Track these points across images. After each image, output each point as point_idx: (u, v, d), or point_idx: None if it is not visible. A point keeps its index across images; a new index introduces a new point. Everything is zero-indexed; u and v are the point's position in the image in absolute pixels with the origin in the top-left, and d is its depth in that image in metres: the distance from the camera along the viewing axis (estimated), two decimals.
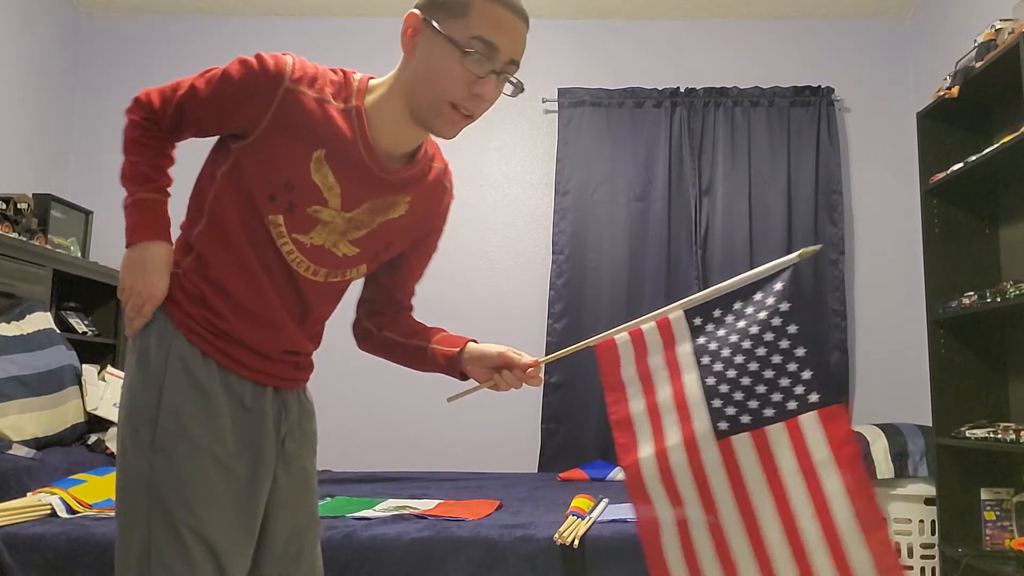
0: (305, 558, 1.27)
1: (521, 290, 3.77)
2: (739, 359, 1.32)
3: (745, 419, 1.30)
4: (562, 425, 3.59)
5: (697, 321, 1.38)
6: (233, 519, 1.12)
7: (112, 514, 1.85)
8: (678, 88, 3.78)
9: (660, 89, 3.79)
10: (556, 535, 1.96)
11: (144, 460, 1.08)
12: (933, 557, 2.85)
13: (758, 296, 1.33)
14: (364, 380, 3.62)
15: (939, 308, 2.81)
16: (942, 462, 2.74)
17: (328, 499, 2.49)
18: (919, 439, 2.96)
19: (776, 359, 1.29)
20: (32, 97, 3.58)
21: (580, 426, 3.56)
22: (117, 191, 1.22)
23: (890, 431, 3.03)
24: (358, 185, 1.17)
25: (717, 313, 1.37)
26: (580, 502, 2.26)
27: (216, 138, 1.21)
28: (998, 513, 2.64)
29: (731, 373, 1.32)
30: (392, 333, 1.39)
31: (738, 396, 1.31)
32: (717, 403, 1.32)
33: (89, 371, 2.92)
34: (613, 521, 2.07)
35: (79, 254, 3.44)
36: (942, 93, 2.74)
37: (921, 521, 2.88)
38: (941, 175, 2.81)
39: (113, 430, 2.69)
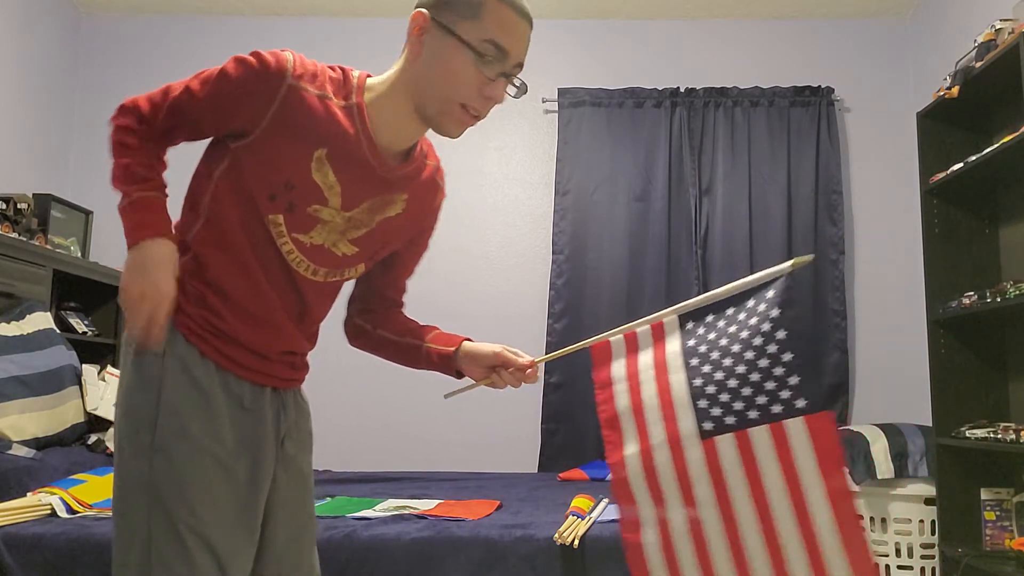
0: (304, 559, 1.27)
1: (521, 290, 3.77)
2: (727, 362, 1.34)
3: (730, 420, 1.31)
4: (562, 425, 3.59)
5: (689, 325, 1.41)
6: (234, 519, 1.11)
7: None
8: (678, 88, 3.79)
9: (660, 89, 3.79)
10: (556, 535, 1.96)
11: (144, 461, 1.07)
12: (933, 557, 2.84)
13: (751, 303, 1.36)
14: (364, 380, 3.62)
15: (939, 308, 2.81)
16: (942, 462, 2.74)
17: (328, 499, 2.49)
18: (919, 439, 2.96)
19: (763, 363, 1.30)
20: (32, 97, 3.58)
21: (580, 426, 3.56)
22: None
23: (890, 431, 3.02)
24: (359, 183, 1.18)
25: (710, 318, 1.39)
26: (580, 502, 2.26)
27: (210, 138, 1.20)
28: (998, 513, 2.64)
29: (719, 375, 1.34)
30: (385, 331, 1.39)
31: (724, 398, 1.32)
32: (703, 404, 1.34)
33: (89, 371, 2.92)
34: (613, 521, 2.07)
35: (79, 254, 3.45)
36: (942, 93, 2.74)
37: (921, 521, 2.87)
38: (941, 175, 2.81)
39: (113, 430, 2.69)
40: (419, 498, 2.52)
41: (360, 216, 1.20)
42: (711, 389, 1.34)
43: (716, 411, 1.33)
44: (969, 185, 2.82)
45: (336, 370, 3.46)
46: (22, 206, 3.01)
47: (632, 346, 1.45)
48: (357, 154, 1.16)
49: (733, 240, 3.65)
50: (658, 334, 1.43)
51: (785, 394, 1.28)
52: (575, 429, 3.56)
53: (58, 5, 3.76)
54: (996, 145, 2.50)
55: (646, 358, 1.43)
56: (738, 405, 1.31)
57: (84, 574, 1.89)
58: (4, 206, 2.95)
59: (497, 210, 3.85)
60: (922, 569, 2.87)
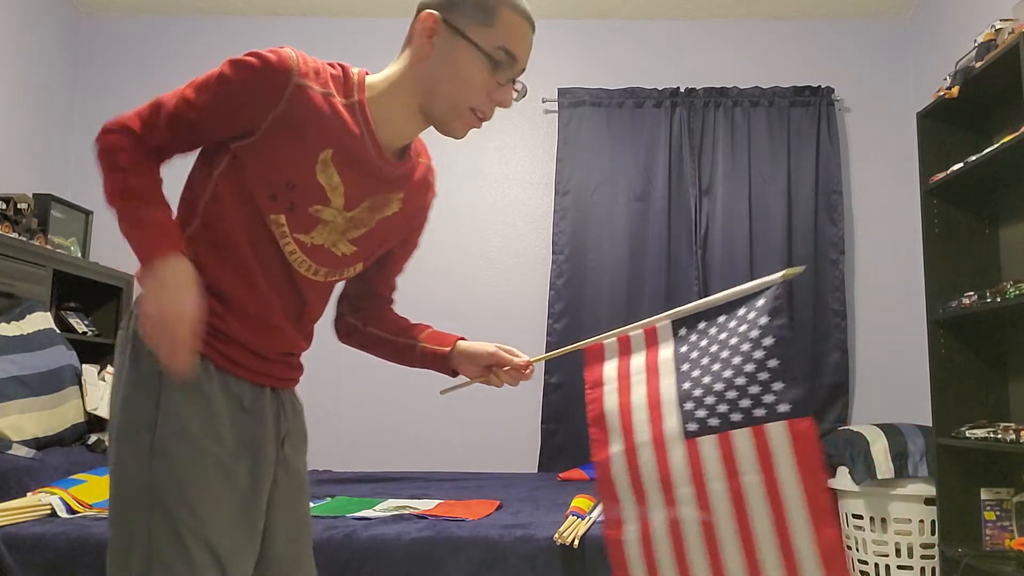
0: (303, 560, 1.27)
1: (521, 290, 3.77)
2: (715, 367, 1.37)
3: (713, 422, 1.34)
4: (562, 425, 3.59)
5: (682, 331, 1.45)
6: (235, 520, 1.11)
7: None
8: (678, 88, 3.79)
9: (660, 89, 3.79)
10: (556, 535, 1.96)
11: (143, 463, 1.06)
12: (933, 557, 2.84)
13: (742, 311, 1.39)
14: (365, 380, 3.62)
15: (939, 308, 2.81)
16: (942, 462, 2.74)
17: (328, 499, 2.49)
18: (919, 439, 2.96)
19: (749, 368, 1.33)
20: (32, 97, 3.58)
21: (580, 426, 3.56)
22: None
23: (890, 431, 3.03)
24: (361, 183, 1.18)
25: (702, 325, 1.43)
26: (580, 502, 2.26)
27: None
28: (998, 513, 2.64)
29: (706, 379, 1.37)
30: (377, 329, 1.40)
31: (709, 400, 1.35)
32: (689, 406, 1.37)
33: (89, 371, 2.92)
34: None
35: (79, 254, 3.45)
36: (942, 93, 2.74)
37: (921, 521, 2.88)
38: (941, 175, 2.81)
39: None
40: (419, 498, 2.52)
41: (360, 216, 1.20)
42: (698, 392, 1.37)
43: (701, 413, 1.36)
44: (969, 185, 2.82)
45: (337, 370, 3.47)
46: (22, 206, 3.02)
47: (625, 349, 1.49)
48: (361, 153, 1.15)
49: (733, 240, 3.65)
50: (651, 339, 1.47)
51: (769, 398, 1.31)
52: (575, 429, 3.56)
53: (58, 5, 3.76)
54: (996, 145, 2.50)
55: (638, 361, 1.46)
56: (722, 408, 1.34)
57: (84, 574, 1.89)
58: (4, 206, 2.96)
59: (497, 210, 3.85)
60: (922, 569, 2.87)
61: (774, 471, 1.29)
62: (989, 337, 2.83)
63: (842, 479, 3.04)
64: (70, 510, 2.14)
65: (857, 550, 3.01)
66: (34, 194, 3.19)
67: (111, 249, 3.63)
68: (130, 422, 1.09)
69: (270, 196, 1.12)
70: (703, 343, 1.41)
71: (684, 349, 1.43)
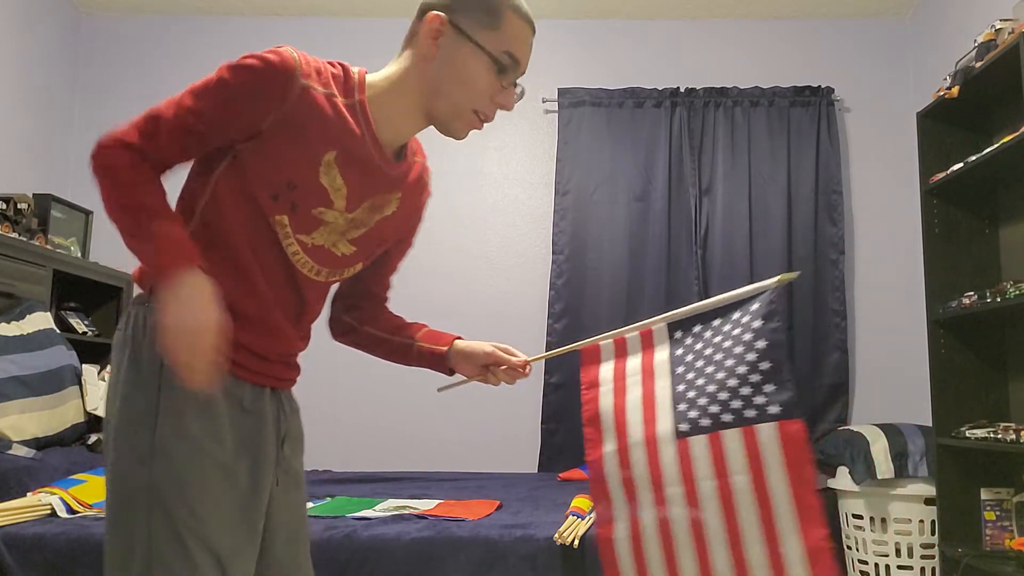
0: (300, 560, 1.27)
1: (521, 290, 3.77)
2: (709, 369, 1.39)
3: (704, 422, 1.36)
4: (562, 425, 3.59)
5: (677, 334, 1.47)
6: (235, 521, 1.11)
7: None
8: (678, 88, 3.79)
9: (660, 89, 3.79)
10: (556, 535, 1.96)
11: (143, 463, 1.05)
12: (933, 557, 2.84)
13: (736, 315, 1.41)
14: (365, 380, 3.62)
15: (939, 308, 2.81)
16: (942, 462, 2.74)
17: (328, 499, 2.49)
18: (919, 439, 2.96)
19: (741, 370, 1.35)
20: (32, 97, 3.58)
21: (580, 426, 3.49)
22: None
23: (890, 431, 3.03)
24: (362, 184, 1.18)
25: (697, 328, 1.46)
26: (580, 502, 2.26)
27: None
28: (998, 513, 2.64)
29: (699, 381, 1.39)
30: (373, 328, 1.41)
31: (702, 401, 1.38)
32: (682, 407, 1.40)
33: (89, 371, 2.92)
34: None
35: (79, 254, 3.45)
36: (942, 93, 2.74)
37: (921, 521, 2.88)
38: (941, 175, 2.81)
39: None
40: (419, 498, 2.52)
41: (361, 217, 1.21)
42: (691, 394, 1.39)
43: (693, 414, 1.38)
44: (969, 185, 2.82)
45: (337, 370, 3.47)
46: (22, 206, 3.02)
47: (621, 351, 1.52)
48: (363, 154, 1.16)
49: (733, 240, 3.65)
50: (647, 341, 1.50)
51: (760, 400, 1.33)
52: (575, 429, 3.56)
53: (58, 5, 3.76)
54: (996, 145, 2.50)
55: (634, 363, 1.49)
56: (714, 408, 1.36)
57: (84, 574, 1.89)
58: (4, 206, 2.96)
59: (497, 210, 3.85)
60: (922, 569, 2.87)
61: (763, 471, 1.30)
62: (989, 337, 2.83)
63: (842, 479, 3.04)
64: (70, 510, 2.14)
65: (857, 550, 3.01)
66: (34, 194, 3.19)
67: (111, 249, 3.62)
68: (129, 422, 1.08)
69: (271, 196, 1.12)
70: (698, 346, 1.43)
71: (679, 352, 1.45)
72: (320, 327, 1.35)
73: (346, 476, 3.16)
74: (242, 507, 1.12)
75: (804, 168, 3.70)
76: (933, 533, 2.83)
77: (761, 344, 1.34)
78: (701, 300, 3.73)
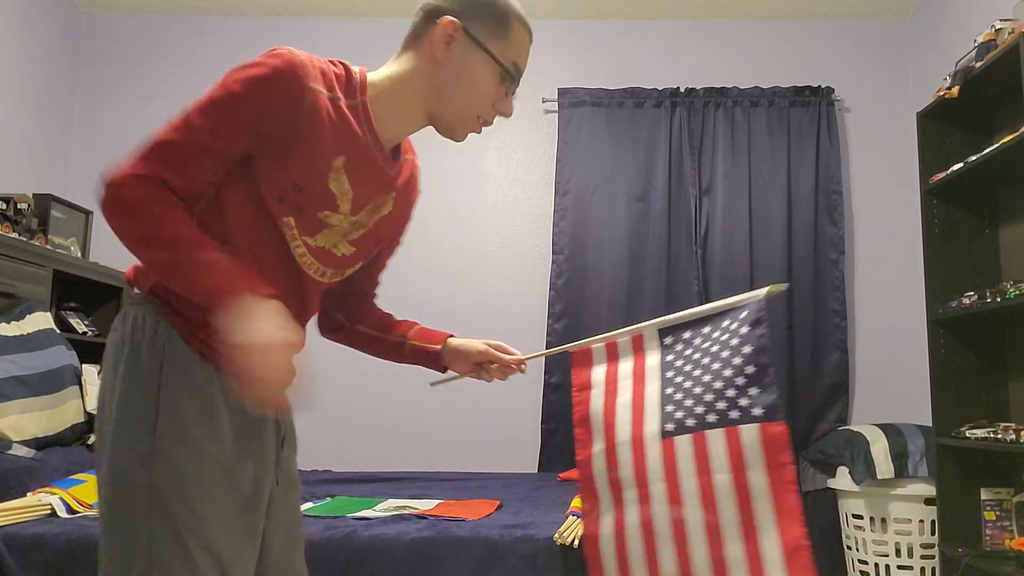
0: (295, 560, 1.27)
1: (521, 290, 3.77)
2: (696, 372, 1.44)
3: (690, 422, 1.41)
4: (562, 425, 3.59)
5: (668, 340, 1.52)
6: (236, 521, 1.10)
7: None
8: (678, 88, 3.78)
9: (660, 89, 3.79)
10: (556, 535, 1.96)
11: (143, 464, 1.04)
12: (933, 557, 2.84)
13: (725, 322, 1.46)
14: (364, 380, 3.62)
15: (939, 308, 2.81)
16: (942, 462, 2.74)
17: (328, 499, 2.49)
18: (919, 439, 2.96)
19: (727, 373, 1.40)
20: (32, 97, 3.58)
21: None
22: None
23: (890, 431, 3.03)
24: (367, 186, 1.18)
25: (687, 335, 1.51)
26: (580, 502, 2.26)
27: (175, 117, 1.14)
28: (998, 513, 2.64)
29: (687, 384, 1.44)
30: (364, 326, 1.43)
31: (688, 403, 1.42)
32: (669, 408, 1.44)
33: (89, 371, 2.92)
34: None
35: (79, 254, 3.45)
36: (942, 93, 2.74)
37: (921, 521, 2.88)
38: (941, 175, 2.81)
39: None
40: (419, 498, 2.52)
41: (362, 218, 1.21)
42: (678, 396, 1.44)
43: (679, 414, 1.43)
44: (969, 185, 2.82)
45: (337, 370, 3.46)
46: (22, 206, 3.02)
47: (613, 354, 1.56)
48: (367, 156, 1.16)
49: (733, 240, 3.65)
50: (638, 345, 1.54)
51: (744, 402, 1.37)
52: None
53: (58, 5, 3.76)
54: (996, 145, 2.50)
55: (626, 367, 1.53)
56: (699, 409, 1.41)
57: (84, 574, 1.89)
58: (4, 206, 2.95)
59: (497, 210, 3.85)
60: (922, 569, 2.87)
61: (745, 470, 1.34)
62: (989, 337, 2.83)
63: (842, 479, 3.04)
64: (70, 510, 2.14)
65: (857, 550, 3.01)
66: (34, 194, 3.19)
67: (111, 249, 3.61)
68: (128, 422, 1.07)
69: (277, 198, 1.11)
70: (687, 351, 1.48)
71: (670, 357, 1.50)
72: (310, 325, 1.35)
73: (346, 476, 3.16)
74: (243, 507, 1.12)
75: (804, 168, 3.70)
76: (933, 533, 2.83)
77: (747, 349, 1.39)
78: (701, 300, 3.76)
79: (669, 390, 1.45)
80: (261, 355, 0.97)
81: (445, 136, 1.24)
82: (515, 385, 3.60)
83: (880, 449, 2.94)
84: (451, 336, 1.44)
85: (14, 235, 2.90)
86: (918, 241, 3.03)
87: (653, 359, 1.51)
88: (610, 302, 3.62)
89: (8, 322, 2.70)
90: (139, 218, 1.02)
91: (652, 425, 1.44)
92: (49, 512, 2.12)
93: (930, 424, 2.92)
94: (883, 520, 2.93)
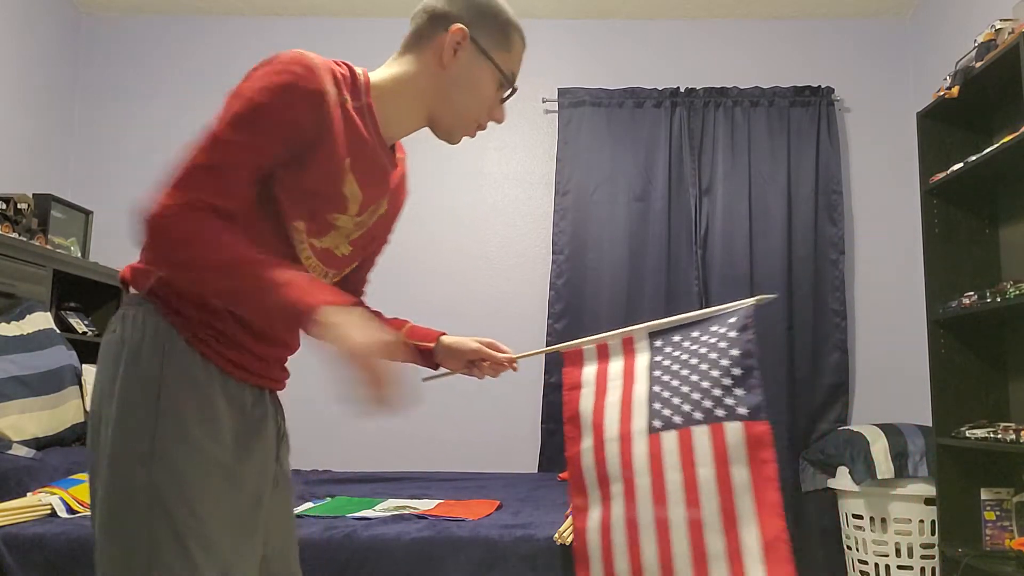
0: (290, 560, 1.27)
1: (521, 290, 3.77)
2: (684, 372, 1.49)
3: (677, 419, 1.46)
4: (562, 425, 3.57)
5: (658, 343, 1.58)
6: (237, 522, 1.10)
7: None
8: (678, 88, 3.78)
9: (660, 89, 3.79)
10: (556, 535, 1.96)
11: (143, 465, 1.04)
12: (933, 557, 2.85)
13: (714, 327, 1.52)
14: None
15: (939, 308, 2.81)
16: (942, 462, 2.74)
17: (328, 499, 2.49)
18: (919, 439, 2.96)
19: (714, 373, 1.45)
20: (32, 97, 3.58)
21: None
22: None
23: (890, 431, 3.03)
24: (373, 187, 1.19)
25: (677, 338, 1.56)
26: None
27: (202, 138, 1.15)
28: (998, 513, 2.64)
29: (675, 383, 1.49)
30: None
31: (675, 401, 1.48)
32: (657, 405, 1.50)
33: (89, 371, 2.92)
34: None
35: (79, 254, 3.45)
36: (942, 93, 2.74)
37: (921, 521, 2.88)
38: (941, 175, 2.81)
39: None
40: (419, 498, 2.52)
41: (365, 218, 1.22)
42: (666, 394, 1.49)
43: (667, 412, 1.48)
44: (969, 185, 2.82)
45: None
46: (22, 206, 3.02)
47: (603, 355, 1.61)
48: (373, 157, 1.17)
49: (733, 240, 3.65)
50: (628, 347, 1.59)
51: (730, 401, 1.43)
52: None
53: (58, 5, 3.76)
54: (996, 145, 2.50)
55: (616, 368, 1.59)
56: (686, 407, 1.46)
57: (84, 574, 1.89)
58: (4, 206, 2.96)
59: (497, 210, 3.85)
60: (922, 569, 2.87)
61: (727, 466, 1.39)
62: (989, 337, 2.83)
63: (842, 479, 3.04)
64: (70, 510, 2.14)
65: (857, 550, 3.01)
66: (34, 194, 3.19)
67: (111, 249, 3.63)
68: (128, 422, 1.06)
69: (291, 203, 1.11)
70: (676, 353, 1.53)
71: (659, 358, 1.55)
72: None
73: (346, 476, 3.16)
74: (243, 508, 1.12)
75: (804, 168, 3.70)
76: (933, 533, 2.83)
77: (735, 352, 1.44)
78: (701, 300, 3.76)
79: (657, 388, 1.50)
80: (373, 358, 0.96)
81: (442, 139, 1.27)
82: (515, 385, 3.61)
83: (880, 449, 2.94)
84: (444, 334, 1.46)
85: (14, 235, 2.90)
86: (918, 241, 3.03)
87: (642, 360, 1.56)
88: (610, 302, 3.62)
89: (8, 322, 2.71)
90: (199, 249, 0.99)
91: (640, 422, 1.49)
92: (49, 512, 2.12)
93: (930, 424, 2.92)
94: (883, 520, 2.93)
